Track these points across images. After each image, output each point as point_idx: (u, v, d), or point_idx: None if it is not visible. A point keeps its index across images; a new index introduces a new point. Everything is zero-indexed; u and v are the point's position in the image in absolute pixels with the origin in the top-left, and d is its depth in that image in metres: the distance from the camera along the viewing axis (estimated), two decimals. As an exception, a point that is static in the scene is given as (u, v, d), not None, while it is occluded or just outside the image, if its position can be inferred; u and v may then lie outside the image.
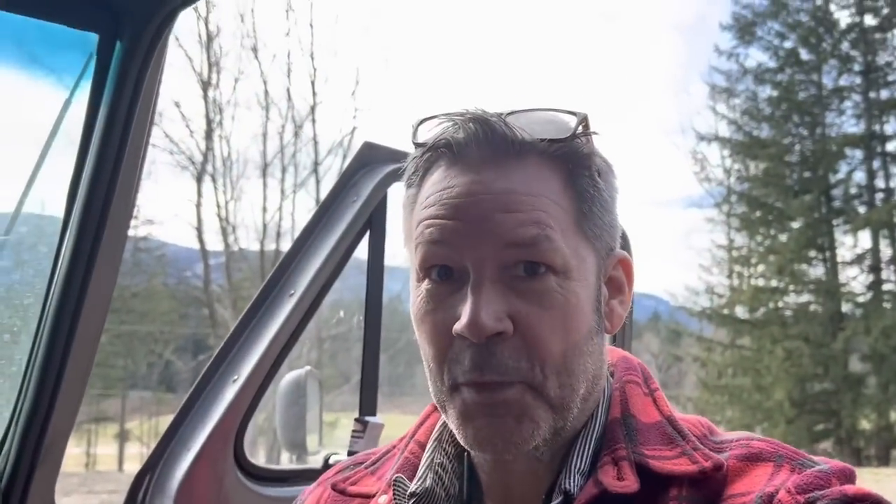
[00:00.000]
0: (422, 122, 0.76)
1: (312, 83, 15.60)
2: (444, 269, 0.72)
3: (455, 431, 0.74)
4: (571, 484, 0.72)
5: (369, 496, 0.82)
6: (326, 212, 1.69)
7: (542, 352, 0.70)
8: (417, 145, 0.76)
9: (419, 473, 0.79)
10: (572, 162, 0.73)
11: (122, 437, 19.37)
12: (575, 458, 0.74)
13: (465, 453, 0.79)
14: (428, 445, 0.82)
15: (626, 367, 0.81)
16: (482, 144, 0.72)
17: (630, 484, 0.70)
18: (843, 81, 19.94)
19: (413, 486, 0.78)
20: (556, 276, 0.71)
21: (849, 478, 0.69)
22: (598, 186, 0.75)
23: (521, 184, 0.71)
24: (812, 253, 19.82)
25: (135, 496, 1.56)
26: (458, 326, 0.69)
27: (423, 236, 0.73)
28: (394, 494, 0.78)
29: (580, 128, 0.74)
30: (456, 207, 0.71)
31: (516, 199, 0.70)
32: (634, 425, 0.75)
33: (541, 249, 0.70)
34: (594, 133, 0.75)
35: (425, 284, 0.74)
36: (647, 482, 0.70)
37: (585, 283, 0.73)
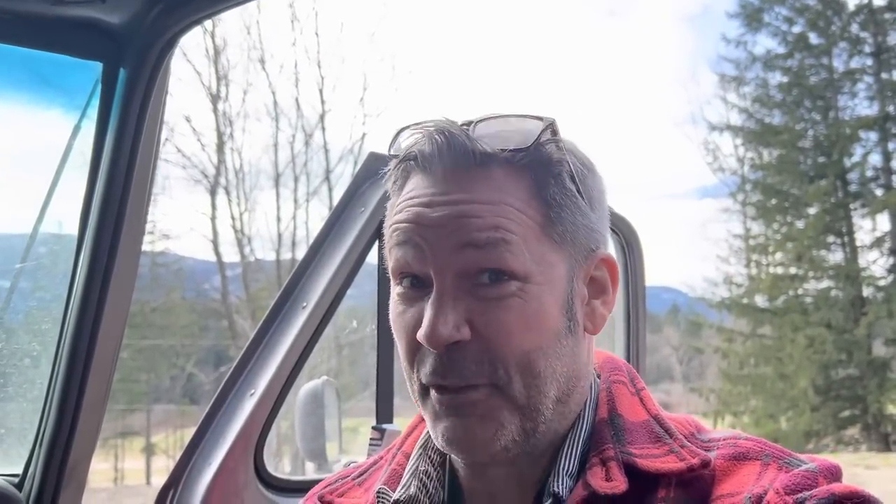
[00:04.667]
0: (399, 132, 0.78)
1: (320, 91, 15.67)
2: (413, 277, 0.75)
3: (430, 432, 0.76)
4: (560, 486, 0.72)
5: None
6: (335, 223, 1.70)
7: (502, 353, 0.71)
8: (392, 156, 0.79)
9: (403, 481, 0.80)
10: (538, 170, 0.74)
11: (149, 450, 19.51)
12: (563, 459, 0.74)
13: (448, 460, 0.80)
14: (413, 453, 0.83)
15: (612, 368, 0.82)
16: (446, 156, 0.73)
17: (618, 484, 0.70)
18: (854, 64, 19.72)
19: (396, 494, 0.78)
20: (518, 280, 0.72)
21: (836, 476, 0.69)
22: (569, 193, 0.75)
23: (483, 194, 0.72)
24: (830, 238, 19.61)
25: (160, 511, 1.58)
26: (419, 335, 0.72)
27: (392, 239, 0.76)
28: None
29: (547, 134, 0.75)
30: (419, 214, 0.73)
31: (477, 208, 0.72)
32: (622, 424, 0.75)
33: (499, 252, 0.71)
34: (559, 140, 0.76)
35: (398, 288, 0.77)
36: (636, 481, 0.71)
37: (551, 288, 0.73)
